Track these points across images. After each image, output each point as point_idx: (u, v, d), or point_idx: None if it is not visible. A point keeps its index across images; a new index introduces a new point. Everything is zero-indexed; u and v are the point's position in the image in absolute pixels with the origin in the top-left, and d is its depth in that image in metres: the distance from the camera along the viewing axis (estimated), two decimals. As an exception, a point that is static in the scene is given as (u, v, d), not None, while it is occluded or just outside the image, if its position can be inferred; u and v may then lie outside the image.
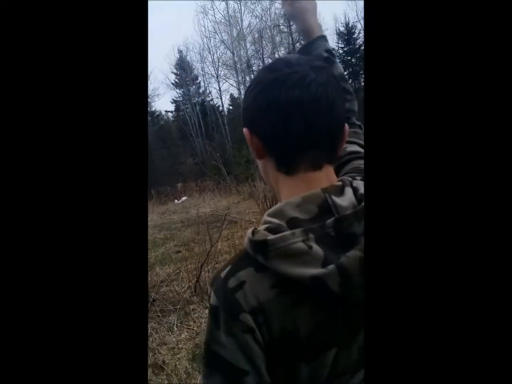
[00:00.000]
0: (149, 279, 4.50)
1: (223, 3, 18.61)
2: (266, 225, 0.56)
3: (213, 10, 19.65)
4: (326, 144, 0.58)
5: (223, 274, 0.56)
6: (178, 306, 3.47)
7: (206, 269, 4.50)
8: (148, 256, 6.41)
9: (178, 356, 2.61)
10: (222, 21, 18.81)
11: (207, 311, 3.42)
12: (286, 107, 0.55)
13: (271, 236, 0.53)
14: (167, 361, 2.55)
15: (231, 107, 26.19)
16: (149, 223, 10.24)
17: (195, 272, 4.19)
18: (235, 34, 18.33)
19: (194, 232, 7.71)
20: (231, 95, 24.42)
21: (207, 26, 20.54)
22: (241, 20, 18.20)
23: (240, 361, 0.54)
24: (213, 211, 10.30)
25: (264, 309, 0.53)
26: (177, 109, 27.35)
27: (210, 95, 26.17)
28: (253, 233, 0.55)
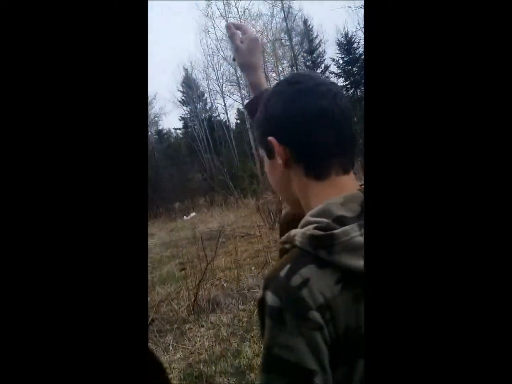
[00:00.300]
0: (150, 298, 4.56)
1: (224, 20, 18.95)
2: (314, 225, 0.57)
3: (214, 28, 19.99)
4: (350, 150, 0.63)
5: (282, 273, 0.55)
6: (175, 326, 3.51)
7: (205, 286, 4.55)
8: (153, 275, 6.49)
9: (170, 376, 2.65)
10: (224, 38, 19.19)
11: (202, 329, 3.44)
12: (316, 116, 0.59)
13: (336, 230, 0.55)
14: (158, 382, 2.59)
15: (238, 121, 26.44)
16: (156, 241, 10.37)
17: (194, 290, 4.25)
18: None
19: (198, 248, 7.78)
20: (238, 109, 24.64)
21: (209, 44, 20.86)
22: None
23: (308, 361, 0.53)
24: (218, 226, 10.37)
25: (330, 306, 0.54)
26: (185, 125, 27.73)
27: (216, 110, 26.48)
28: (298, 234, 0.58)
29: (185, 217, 14.29)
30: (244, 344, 3.00)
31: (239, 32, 0.95)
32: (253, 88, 0.92)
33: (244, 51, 0.91)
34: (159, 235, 11.28)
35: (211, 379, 2.53)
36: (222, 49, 20.07)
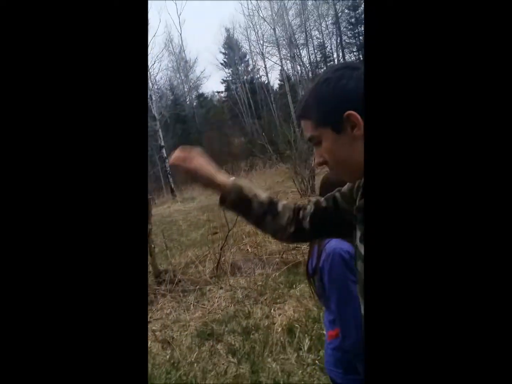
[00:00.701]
0: (179, 261, 4.92)
1: (263, -22, 18.33)
2: None
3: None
4: None
5: None
6: (197, 286, 3.82)
7: (232, 251, 4.82)
8: (188, 237, 6.89)
9: (186, 333, 2.95)
10: (262, -3, 18.65)
11: (221, 291, 3.72)
12: None
13: None
14: (175, 337, 2.90)
15: (281, 83, 25.98)
16: (196, 205, 10.82)
17: (224, 253, 4.52)
18: (275, 10, 18.04)
19: (232, 213, 8.06)
20: (280, 71, 24.13)
21: (247, 4, 20.35)
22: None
23: None
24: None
25: None
26: (227, 88, 27.68)
27: (258, 72, 26.10)
28: None
29: (224, 181, 14.58)
30: (256, 306, 3.24)
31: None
32: (219, 189, 0.89)
33: (179, 159, 0.87)
34: (199, 199, 11.75)
35: (220, 337, 2.80)
36: (260, 9, 19.56)
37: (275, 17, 18.18)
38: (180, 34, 27.02)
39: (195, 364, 2.47)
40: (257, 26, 20.74)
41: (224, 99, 28.30)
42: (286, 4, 18.12)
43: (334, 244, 1.16)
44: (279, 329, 2.72)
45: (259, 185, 11.90)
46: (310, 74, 19.59)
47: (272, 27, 18.41)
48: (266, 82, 25.24)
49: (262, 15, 19.15)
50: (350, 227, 0.83)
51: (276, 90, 25.74)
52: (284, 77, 20.28)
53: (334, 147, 0.74)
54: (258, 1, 19.39)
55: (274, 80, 26.90)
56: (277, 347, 2.54)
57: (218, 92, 28.71)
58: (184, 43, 26.17)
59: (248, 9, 20.31)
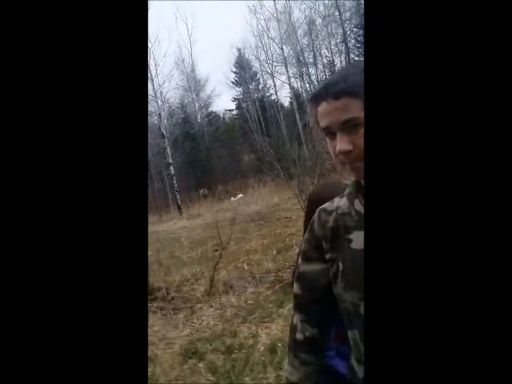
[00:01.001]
0: (174, 279, 4.94)
1: (271, 2, 18.79)
2: None
3: (261, 8, 19.85)
4: None
5: None
6: (189, 305, 3.83)
7: (229, 268, 4.83)
8: (189, 255, 6.91)
9: (171, 350, 2.96)
10: (271, 17, 19.03)
11: (211, 309, 3.72)
12: None
13: None
14: (159, 354, 2.92)
15: (290, 100, 26.22)
16: (201, 222, 10.90)
17: (216, 272, 4.54)
18: (283, 30, 18.40)
19: (236, 231, 8.10)
20: (292, 89, 24.39)
21: (256, 25, 20.80)
22: (289, 15, 18.24)
23: None
24: (261, 208, 10.65)
25: None
26: (238, 106, 28.05)
27: (268, 90, 26.41)
28: None
29: (232, 198, 14.74)
30: (244, 324, 3.23)
31: None
32: None
33: None
34: (205, 216, 11.83)
35: (203, 355, 2.80)
36: (269, 29, 19.96)
37: (283, 37, 18.53)
38: (191, 54, 27.66)
39: (173, 382, 2.47)
40: (266, 46, 21.12)
41: (235, 117, 28.66)
42: (294, 24, 18.49)
43: None
44: (261, 348, 2.71)
45: (266, 202, 11.94)
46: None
47: (280, 47, 18.78)
48: (276, 100, 25.53)
49: (270, 36, 19.57)
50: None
51: (286, 107, 25.99)
52: (292, 96, 20.49)
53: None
54: (267, 22, 19.71)
55: (285, 98, 27.11)
56: (258, 366, 2.53)
57: (229, 110, 29.13)
58: (194, 63, 26.70)
59: (258, 29, 20.66)
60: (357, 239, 0.75)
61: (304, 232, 1.24)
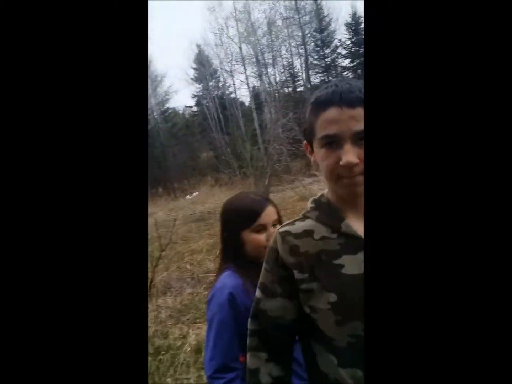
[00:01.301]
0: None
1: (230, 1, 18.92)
2: None
3: (220, 6, 20.02)
4: None
5: None
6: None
7: (171, 269, 4.87)
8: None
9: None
10: (230, 16, 19.15)
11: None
12: None
13: None
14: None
15: (249, 99, 26.34)
16: (152, 221, 10.72)
17: (159, 273, 4.56)
18: (242, 30, 18.55)
19: (186, 230, 8.12)
20: (250, 86, 24.50)
21: (215, 23, 20.84)
22: (249, 14, 18.41)
23: None
24: (214, 207, 10.69)
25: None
26: (198, 103, 27.81)
27: (228, 88, 26.38)
28: None
29: (187, 196, 14.67)
30: (176, 326, 3.30)
31: None
32: None
33: None
34: (158, 214, 11.69)
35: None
36: (228, 28, 20.03)
37: (242, 37, 18.67)
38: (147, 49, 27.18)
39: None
40: (225, 45, 21.15)
41: (195, 113, 28.39)
42: (253, 24, 18.64)
43: (222, 279, 1.13)
44: (188, 349, 2.79)
45: (220, 201, 11.98)
46: (276, 94, 20.02)
47: (239, 46, 18.89)
48: (236, 98, 25.56)
49: (229, 35, 19.65)
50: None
51: (247, 106, 26.09)
52: (250, 95, 20.65)
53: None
54: (226, 21, 19.78)
55: (245, 97, 27.21)
56: (182, 366, 2.61)
57: (189, 107, 28.82)
58: (153, 58, 26.16)
59: (217, 28, 20.64)
60: (349, 264, 0.68)
61: (224, 245, 1.20)
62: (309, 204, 0.79)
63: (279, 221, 1.20)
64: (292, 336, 0.79)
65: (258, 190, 8.73)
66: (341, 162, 0.65)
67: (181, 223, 9.52)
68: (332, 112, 0.65)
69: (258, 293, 0.78)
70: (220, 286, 1.11)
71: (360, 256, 0.67)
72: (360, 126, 0.63)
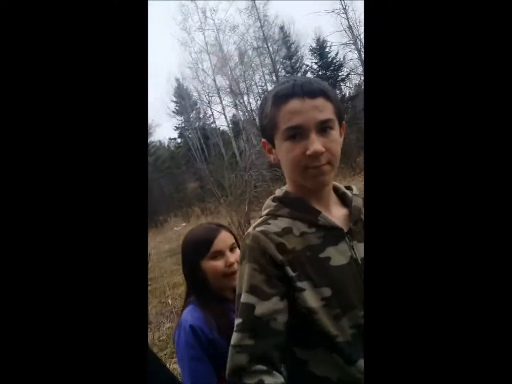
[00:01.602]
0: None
1: (201, 33, 19.66)
2: None
3: (192, 41, 20.66)
4: None
5: None
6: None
7: (153, 304, 4.98)
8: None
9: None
10: (202, 50, 19.87)
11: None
12: None
13: None
14: None
15: (227, 128, 26.83)
16: (139, 257, 10.68)
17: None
18: (214, 62, 19.25)
19: (173, 262, 8.20)
20: (228, 116, 25.01)
21: (188, 58, 21.46)
22: (220, 47, 19.11)
23: None
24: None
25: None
26: (181, 135, 28.20)
27: (209, 119, 26.89)
28: None
29: (175, 228, 14.76)
30: (154, 361, 3.41)
31: None
32: None
33: None
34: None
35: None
36: (200, 62, 20.72)
37: (215, 68, 19.33)
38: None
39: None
40: (201, 77, 21.73)
41: (179, 145, 28.70)
42: (225, 56, 19.32)
43: (184, 315, 1.15)
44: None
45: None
46: (254, 121, 20.57)
47: (213, 78, 19.50)
48: (217, 128, 26.02)
49: (202, 67, 20.29)
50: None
51: (228, 134, 26.52)
52: (228, 124, 21.16)
53: (339, 140, 0.72)
54: (198, 55, 20.45)
55: (225, 126, 27.72)
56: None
57: (172, 139, 29.18)
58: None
59: (191, 61, 21.25)
60: (334, 255, 0.70)
61: (186, 278, 1.19)
62: (270, 203, 0.78)
63: (237, 244, 1.22)
64: (285, 342, 0.69)
65: (240, 217, 8.88)
66: (308, 152, 0.66)
67: (168, 256, 9.59)
68: (294, 103, 0.67)
69: (250, 298, 0.68)
70: (182, 323, 1.12)
71: (343, 245, 0.71)
72: (323, 115, 0.67)
